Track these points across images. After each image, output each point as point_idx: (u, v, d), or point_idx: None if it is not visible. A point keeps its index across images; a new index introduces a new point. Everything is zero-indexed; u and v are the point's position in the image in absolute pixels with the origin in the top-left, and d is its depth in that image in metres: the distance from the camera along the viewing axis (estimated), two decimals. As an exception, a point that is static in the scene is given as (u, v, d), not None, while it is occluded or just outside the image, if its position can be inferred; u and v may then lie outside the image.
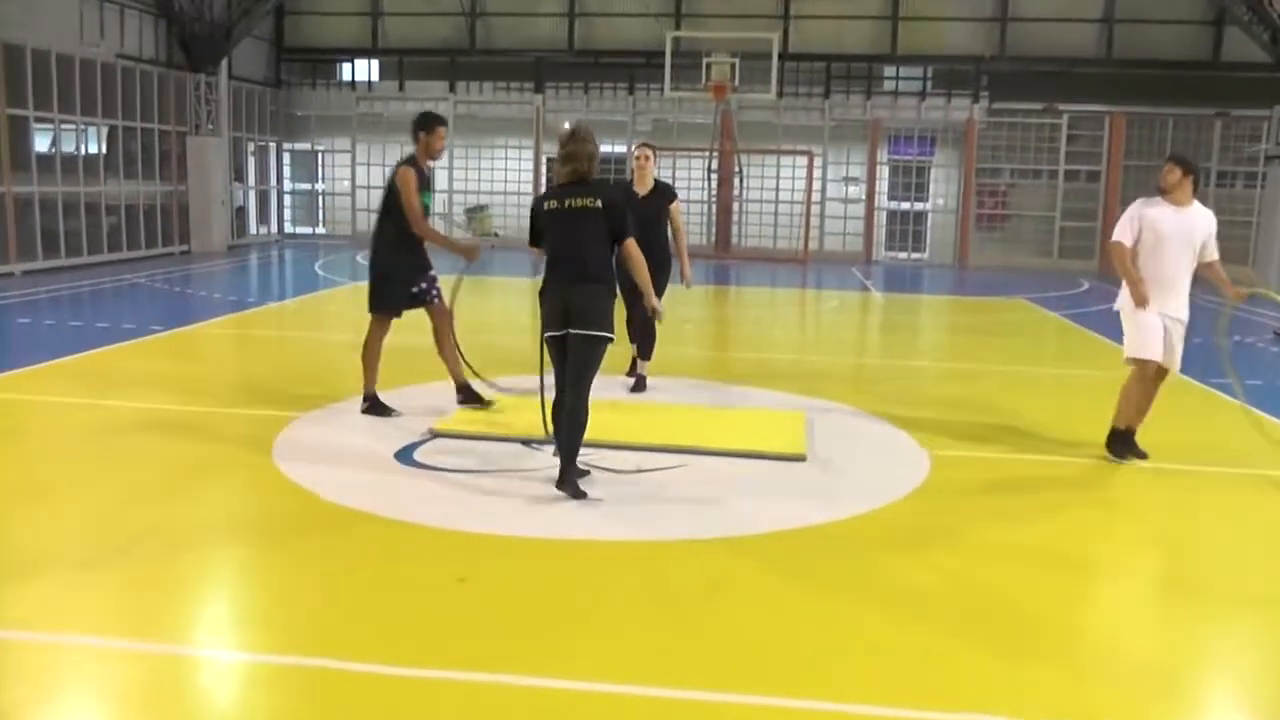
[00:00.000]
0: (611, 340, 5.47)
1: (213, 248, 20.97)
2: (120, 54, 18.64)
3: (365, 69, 25.69)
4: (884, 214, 23.69)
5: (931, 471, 6.14)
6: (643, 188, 8.02)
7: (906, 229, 23.84)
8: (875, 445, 6.81)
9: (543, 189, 24.55)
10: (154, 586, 4.22)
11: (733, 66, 21.32)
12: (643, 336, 8.20)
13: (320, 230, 26.26)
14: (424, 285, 7.06)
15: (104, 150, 18.48)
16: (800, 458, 6.28)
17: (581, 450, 5.63)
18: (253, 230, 24.37)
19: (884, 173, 23.58)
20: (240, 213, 23.50)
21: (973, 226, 22.81)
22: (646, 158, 8.08)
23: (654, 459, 6.22)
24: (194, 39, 20.44)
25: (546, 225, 5.58)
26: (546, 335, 5.51)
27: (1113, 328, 7.39)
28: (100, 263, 17.61)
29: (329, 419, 7.08)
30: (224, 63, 21.37)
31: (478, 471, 5.91)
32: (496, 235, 24.52)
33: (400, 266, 6.96)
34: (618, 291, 5.63)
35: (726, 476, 5.95)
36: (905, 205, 23.80)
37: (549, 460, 5.82)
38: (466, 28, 24.24)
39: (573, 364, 5.42)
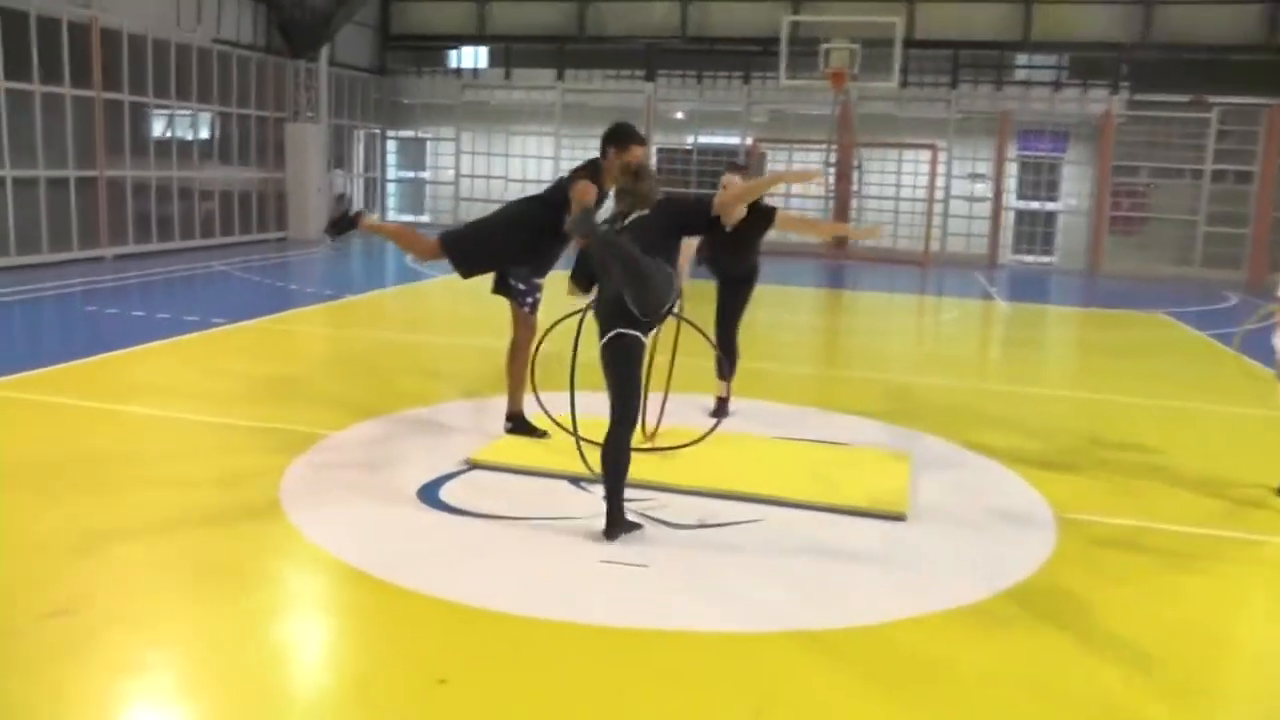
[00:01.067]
0: (634, 337, 4.77)
1: (309, 235, 20.67)
2: (217, 39, 18.39)
3: (471, 56, 25.17)
4: (1011, 214, 22.00)
5: (1059, 542, 4.96)
6: (730, 219, 6.60)
7: (1035, 230, 22.07)
8: (990, 501, 5.61)
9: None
10: (70, 660, 3.42)
11: (852, 53, 19.97)
12: (722, 353, 7.12)
13: (424, 219, 25.91)
14: (523, 287, 6.15)
15: (200, 136, 18.27)
16: (899, 516, 5.18)
17: (636, 494, 4.83)
18: (365, 218, 24.12)
19: (1012, 169, 21.88)
20: (341, 200, 23.21)
21: (1106, 229, 20.94)
22: (730, 185, 6.54)
23: (722, 509, 5.21)
24: (294, 25, 20.12)
25: (597, 257, 4.98)
26: (604, 340, 4.90)
27: (1269, 352, 6.22)
28: (193, 248, 17.42)
29: (361, 437, 6.28)
30: (324, 49, 21.04)
31: (509, 518, 5.00)
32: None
33: (531, 247, 6.03)
34: (674, 276, 4.89)
35: (806, 539, 4.89)
36: (1034, 205, 22.04)
37: (598, 503, 4.87)
38: (576, 14, 23.45)
39: (611, 381, 4.82)
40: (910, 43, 20.87)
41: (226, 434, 6.31)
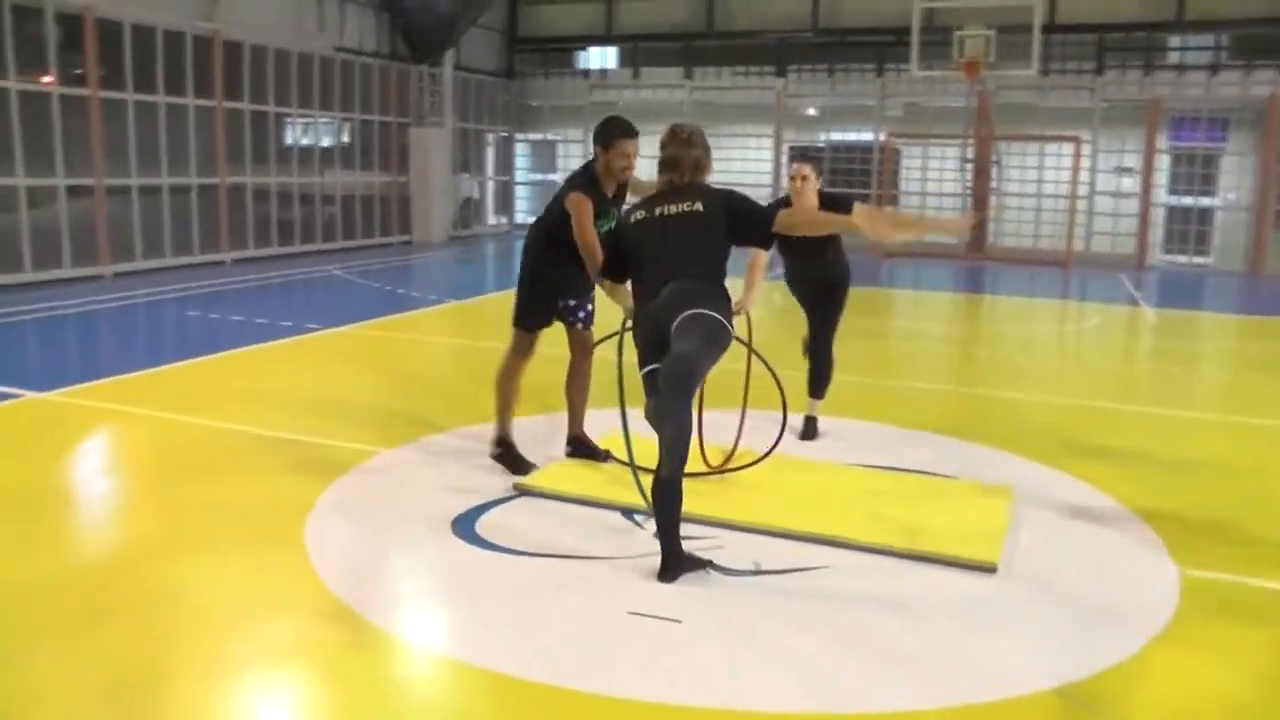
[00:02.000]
0: (725, 329, 4.29)
1: (433, 238, 20.80)
2: (340, 47, 18.59)
3: (599, 57, 24.93)
4: (1162, 210, 20.37)
5: (1179, 609, 4.14)
6: (799, 229, 6.00)
7: (1188, 229, 20.35)
8: (1101, 550, 4.82)
9: (783, 182, 24.06)
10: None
11: (987, 40, 18.82)
12: (814, 367, 6.59)
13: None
14: (573, 303, 5.66)
15: (322, 142, 18.52)
16: (989, 568, 4.48)
17: (690, 531, 4.37)
18: (491, 221, 24.24)
19: (1163, 161, 20.26)
20: (468, 203, 23.41)
21: (1271, 227, 19.12)
22: (804, 177, 6.09)
23: (783, 551, 4.62)
24: (418, 31, 20.23)
25: (632, 241, 4.65)
26: (645, 372, 4.43)
27: None
28: (314, 252, 17.66)
29: (412, 455, 5.94)
30: (448, 54, 21.11)
31: (545, 555, 4.53)
32: None
33: (558, 274, 5.50)
34: (730, 299, 4.49)
35: (874, 592, 4.25)
36: (1188, 201, 20.34)
37: (652, 541, 4.38)
38: (704, 9, 22.91)
39: (665, 363, 4.15)
40: (1051, 27, 19.56)
41: (272, 449, 6.05)
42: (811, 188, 6.10)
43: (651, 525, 4.48)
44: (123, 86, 13.94)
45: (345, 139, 18.94)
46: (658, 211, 4.54)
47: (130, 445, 6.34)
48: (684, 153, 4.58)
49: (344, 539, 4.69)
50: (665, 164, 4.63)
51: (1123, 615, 4.08)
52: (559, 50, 24.96)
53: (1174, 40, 20.37)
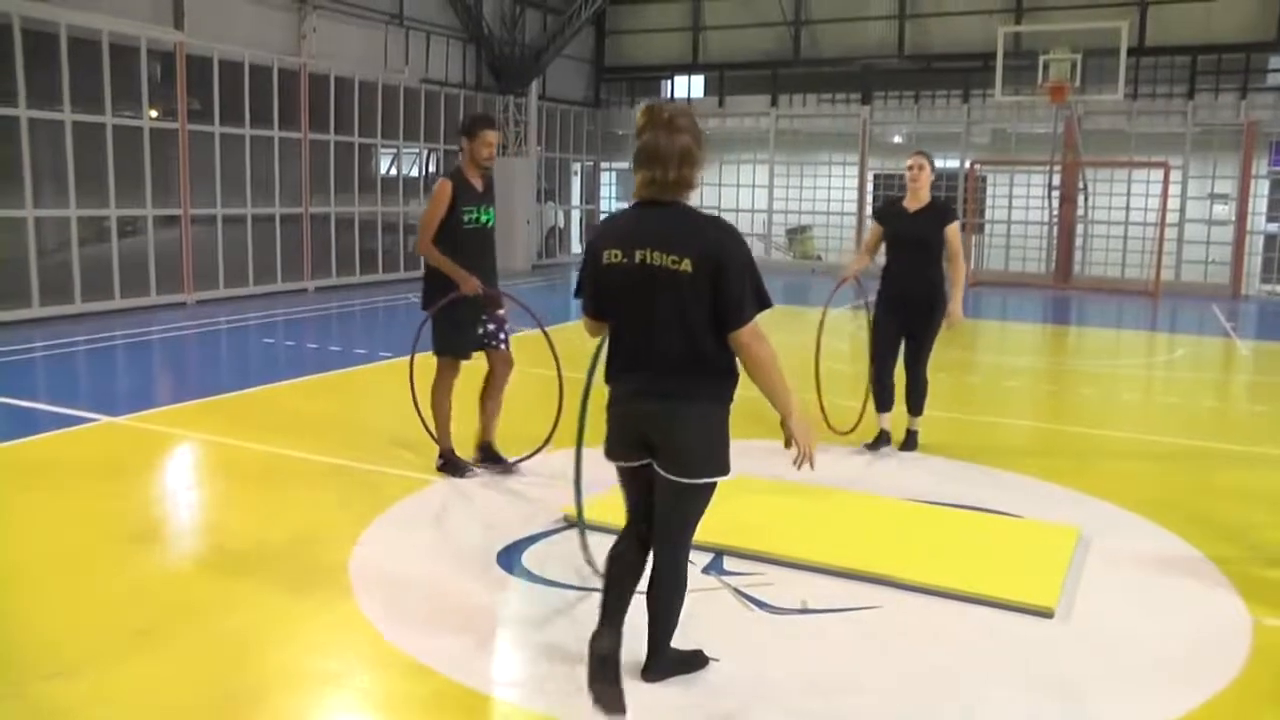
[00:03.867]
0: (725, 476, 3.43)
1: (516, 266, 21.01)
2: (425, 79, 18.98)
3: (685, 85, 25.03)
4: (1259, 239, 19.59)
5: (1250, 660, 3.91)
6: (915, 203, 6.78)
7: (1290, 257, 19.54)
8: (1169, 598, 4.56)
9: (867, 211, 22.89)
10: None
11: (1074, 64, 18.36)
12: (912, 385, 6.90)
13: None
14: (492, 327, 6.10)
15: (408, 172, 18.89)
16: (1046, 613, 4.29)
17: (733, 568, 4.32)
18: (575, 249, 24.49)
19: (1261, 188, 19.49)
20: (554, 232, 23.66)
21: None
22: (921, 167, 6.73)
23: (833, 589, 4.50)
24: (504, 61, 20.56)
25: (607, 289, 3.42)
26: (618, 466, 3.55)
27: None
28: (396, 280, 17.95)
29: (467, 484, 5.98)
30: (534, 84, 21.40)
31: (587, 589, 4.46)
32: (819, 259, 23.05)
33: (467, 302, 5.92)
34: (732, 398, 3.42)
35: (928, 636, 4.10)
36: (1290, 228, 19.53)
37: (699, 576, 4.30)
38: (790, 37, 22.85)
39: (662, 512, 3.47)
40: (1140, 50, 19.03)
41: (328, 475, 6.14)
42: (926, 178, 6.76)
43: (699, 560, 4.38)
44: (210, 120, 14.41)
45: (431, 169, 19.29)
46: (639, 256, 3.29)
47: (181, 470, 6.49)
48: (667, 141, 3.28)
49: (386, 573, 4.69)
50: (643, 157, 3.33)
51: (1191, 671, 3.86)
52: (645, 79, 25.12)
53: (1275, 61, 19.63)
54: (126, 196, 13.31)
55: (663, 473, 3.38)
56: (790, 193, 23.60)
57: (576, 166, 24.44)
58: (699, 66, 24.20)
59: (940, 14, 21.50)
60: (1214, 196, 19.59)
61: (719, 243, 3.27)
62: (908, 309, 6.68)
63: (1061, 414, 8.94)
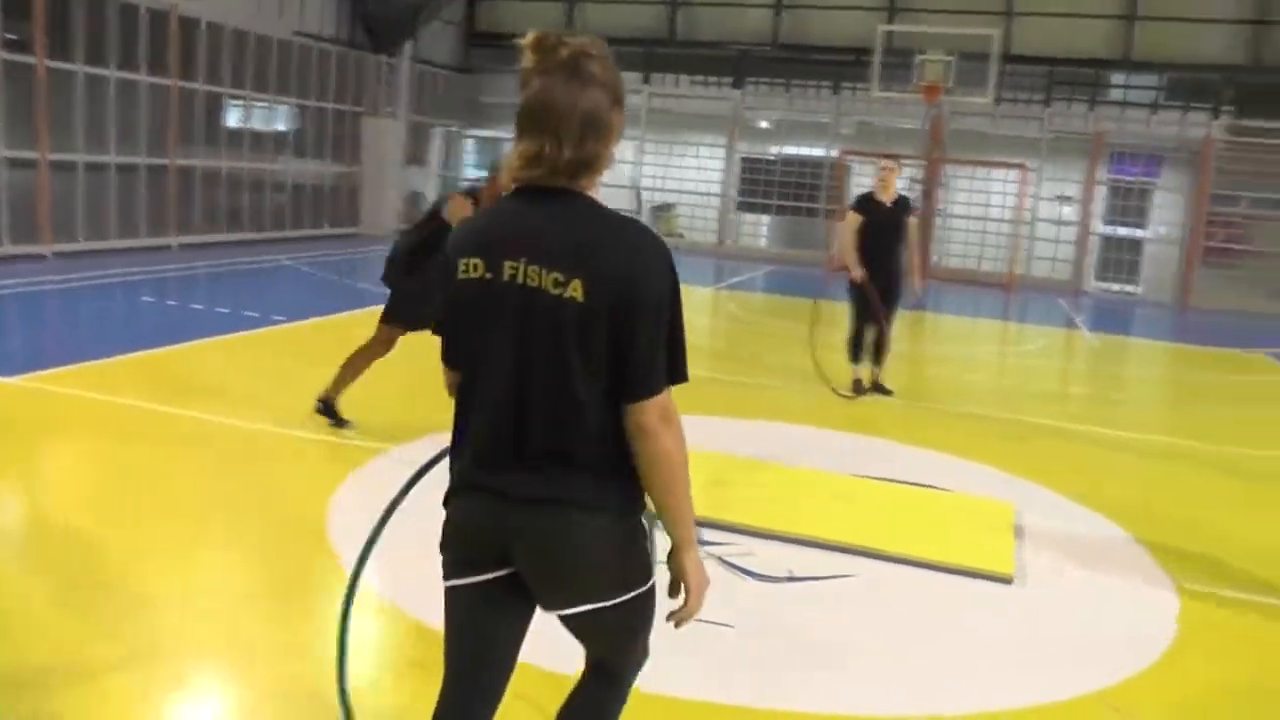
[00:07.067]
0: (646, 611, 2.34)
1: (381, 231, 20.54)
2: (298, 32, 18.28)
3: (557, 57, 24.84)
4: (1098, 239, 21.10)
5: (1180, 619, 4.41)
6: (887, 197, 8.33)
7: (1121, 258, 21.08)
8: (1099, 560, 5.06)
9: (731, 192, 24.87)
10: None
11: (947, 66, 19.24)
12: (879, 346, 8.34)
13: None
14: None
15: (275, 127, 18.17)
16: (1005, 579, 4.64)
17: (722, 540, 4.41)
18: (437, 214, 24.04)
19: (1101, 193, 21.00)
20: (414, 197, 23.19)
21: (1199, 261, 19.92)
22: (892, 170, 8.52)
23: (813, 560, 4.72)
24: (378, 20, 20.00)
25: (457, 321, 2.21)
26: (451, 583, 2.25)
27: None
28: (261, 240, 17.28)
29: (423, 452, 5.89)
30: (407, 45, 20.90)
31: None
32: (680, 237, 23.35)
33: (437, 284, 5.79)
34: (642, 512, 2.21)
35: (903, 600, 4.41)
36: (1122, 231, 21.08)
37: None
38: (667, 17, 23.01)
39: (595, 651, 2.41)
40: (1007, 57, 20.10)
41: (275, 444, 5.97)
42: (894, 178, 8.42)
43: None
44: (73, 58, 13.50)
45: (299, 126, 18.61)
46: (507, 271, 2.08)
47: (119, 438, 6.16)
48: (565, 94, 2.07)
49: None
50: (527, 119, 2.09)
51: (1133, 624, 4.29)
52: (518, 47, 24.74)
53: (1118, 77, 21.09)
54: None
55: (569, 611, 2.20)
56: (658, 169, 23.87)
57: (438, 131, 23.94)
58: (572, 39, 24.06)
59: (817, 6, 22.10)
60: (1062, 199, 20.95)
61: (632, 262, 2.05)
62: (886, 280, 8.05)
63: (951, 393, 9.46)
